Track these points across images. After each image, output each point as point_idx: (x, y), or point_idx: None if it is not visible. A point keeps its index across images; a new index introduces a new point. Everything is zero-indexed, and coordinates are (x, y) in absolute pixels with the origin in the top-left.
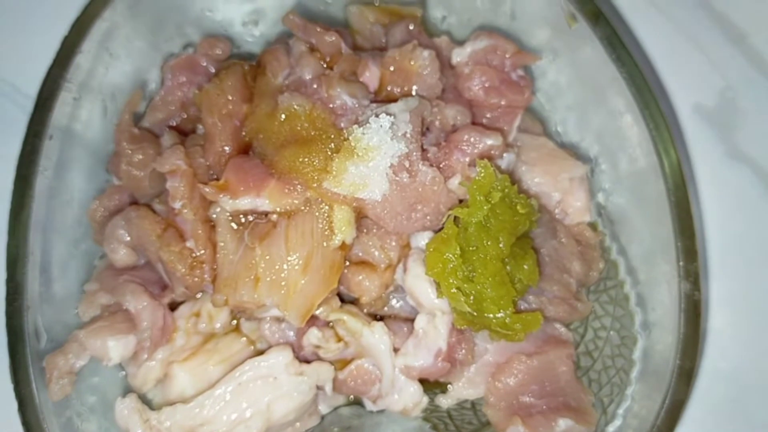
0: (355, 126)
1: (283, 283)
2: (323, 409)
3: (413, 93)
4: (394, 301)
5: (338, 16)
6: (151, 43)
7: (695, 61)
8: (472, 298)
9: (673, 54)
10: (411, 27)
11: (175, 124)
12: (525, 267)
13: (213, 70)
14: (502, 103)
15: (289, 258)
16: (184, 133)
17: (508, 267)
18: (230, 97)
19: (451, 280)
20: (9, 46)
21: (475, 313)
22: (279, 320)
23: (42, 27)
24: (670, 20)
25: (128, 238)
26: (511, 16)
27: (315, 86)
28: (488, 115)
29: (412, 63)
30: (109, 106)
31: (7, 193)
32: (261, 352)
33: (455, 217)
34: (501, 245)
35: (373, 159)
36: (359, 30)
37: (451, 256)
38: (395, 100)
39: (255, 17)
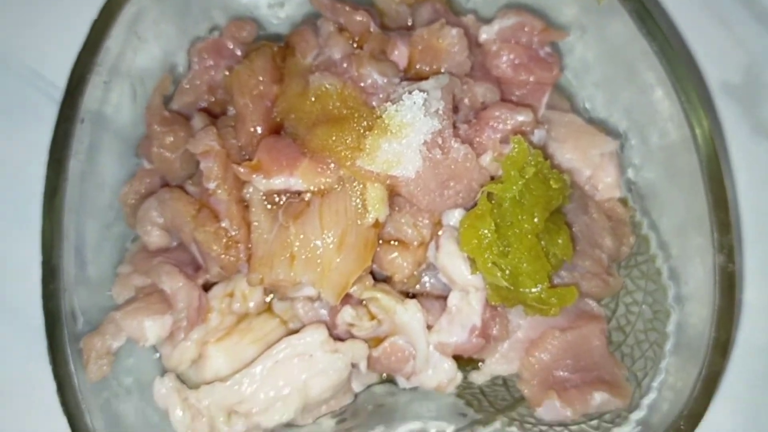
0: (388, 103)
1: (318, 261)
2: (356, 387)
3: (442, 71)
4: (426, 279)
5: None
6: (179, 26)
7: (721, 37)
8: (507, 272)
9: (699, 31)
10: (437, 6)
11: (203, 106)
12: (559, 241)
13: (240, 53)
14: (531, 79)
15: (323, 236)
16: (212, 116)
17: (542, 242)
18: (261, 78)
19: (486, 255)
20: (32, 33)
21: (511, 288)
22: (312, 299)
23: (64, 13)
24: None
25: (161, 220)
26: None
27: (345, 65)
28: (517, 93)
29: (440, 41)
30: (138, 90)
31: (32, 176)
32: (294, 332)
33: (489, 193)
34: (536, 220)
35: (407, 136)
36: (385, 10)
37: (486, 231)
38: (424, 79)
39: None
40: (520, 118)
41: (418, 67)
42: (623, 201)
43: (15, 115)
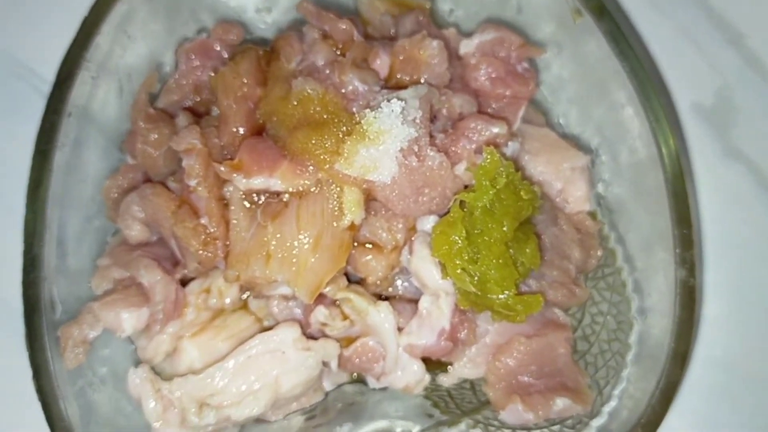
0: (368, 110)
1: (294, 260)
2: (327, 386)
3: (422, 81)
4: (398, 282)
5: (348, 5)
6: (167, 26)
7: (693, 60)
8: (476, 278)
9: (671, 53)
10: (420, 18)
11: (188, 106)
12: (527, 251)
13: (226, 55)
14: (508, 93)
15: (300, 236)
16: (197, 115)
17: (511, 250)
18: (245, 80)
19: (456, 261)
20: (26, 31)
21: (479, 293)
22: (287, 298)
23: (58, 11)
24: (669, 19)
25: (142, 215)
26: (518, 10)
27: (327, 72)
28: (493, 105)
29: (421, 52)
30: (124, 86)
31: (21, 170)
32: (268, 329)
33: (461, 201)
34: (505, 229)
35: (384, 142)
36: (369, 19)
37: (457, 238)
38: (404, 88)
39: (268, 4)
40: (495, 130)
41: (398, 76)
42: (592, 214)
43: (4, 109)
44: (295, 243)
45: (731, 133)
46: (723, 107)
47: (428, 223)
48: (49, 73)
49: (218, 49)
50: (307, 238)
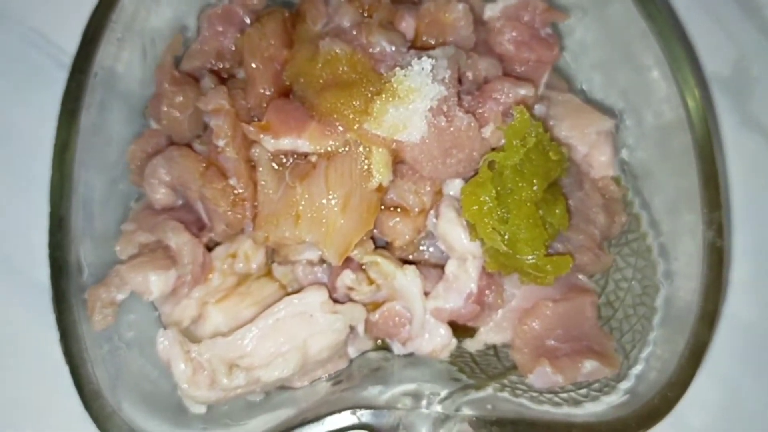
0: (398, 68)
1: (323, 221)
2: (352, 352)
3: (447, 44)
4: (424, 247)
5: None
6: None
7: (711, 31)
8: (506, 238)
9: (690, 24)
10: None
11: (209, 71)
12: (556, 212)
13: (249, 21)
14: (532, 57)
15: (328, 197)
16: (220, 80)
17: (540, 211)
18: (272, 42)
19: (486, 221)
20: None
21: (510, 253)
22: (312, 263)
23: None
24: None
25: (168, 178)
26: None
27: (354, 33)
28: (518, 69)
29: (446, 15)
30: (148, 50)
31: (38, 138)
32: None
33: (490, 162)
34: (535, 188)
35: (413, 101)
36: None
37: (486, 198)
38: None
39: None
40: (522, 92)
41: (424, 39)
42: (616, 180)
43: (20, 77)
44: (324, 203)
45: (749, 104)
46: (740, 78)
47: (454, 186)
48: (64, 41)
49: (241, 14)
50: (336, 199)
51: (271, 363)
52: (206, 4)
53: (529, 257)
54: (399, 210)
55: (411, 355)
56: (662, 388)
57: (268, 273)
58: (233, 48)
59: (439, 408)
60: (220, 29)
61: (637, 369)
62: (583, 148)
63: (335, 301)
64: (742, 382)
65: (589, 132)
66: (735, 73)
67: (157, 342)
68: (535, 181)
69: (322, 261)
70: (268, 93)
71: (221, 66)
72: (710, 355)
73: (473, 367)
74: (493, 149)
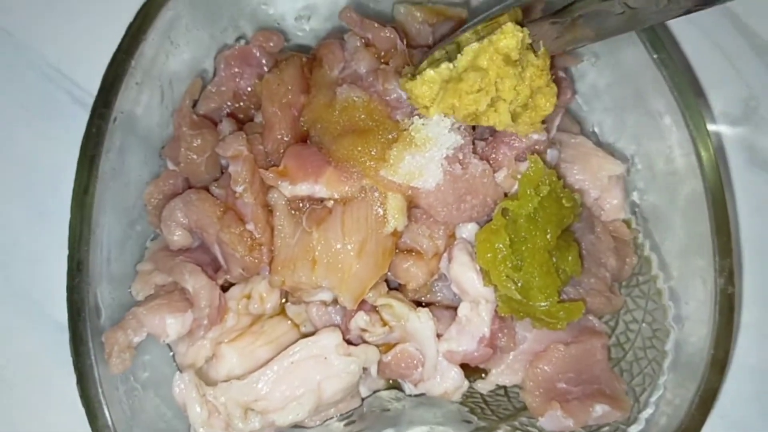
0: (416, 117)
1: (339, 266)
2: (363, 392)
3: None
4: (437, 289)
5: (386, 13)
6: (209, 33)
7: (721, 69)
8: (520, 285)
9: (699, 62)
10: (457, 26)
11: (228, 112)
12: (569, 258)
13: (265, 62)
14: None
15: (344, 242)
16: (237, 122)
17: (553, 258)
18: (289, 87)
19: (500, 268)
20: (56, 33)
21: (523, 300)
22: (326, 304)
23: (89, 14)
24: (697, 29)
25: (185, 220)
26: None
27: (371, 80)
28: None
29: None
30: (166, 93)
31: (54, 172)
32: (306, 335)
33: (504, 209)
34: (548, 236)
35: (430, 149)
36: (407, 29)
37: (501, 245)
38: None
39: (308, 12)
40: (535, 137)
41: None
42: (627, 222)
43: (37, 112)
44: (340, 249)
45: (758, 143)
46: (749, 117)
47: (467, 230)
48: (79, 75)
49: (258, 56)
50: (352, 245)
51: (286, 407)
52: (223, 45)
53: (542, 304)
54: (413, 253)
55: (422, 395)
56: None
57: (282, 312)
58: (250, 89)
59: None
60: (237, 70)
61: (648, 413)
62: (594, 191)
63: (348, 342)
64: (748, 427)
65: (601, 176)
66: (744, 112)
67: (174, 385)
68: (548, 229)
69: (336, 301)
70: (285, 138)
71: (238, 106)
72: (719, 398)
73: (484, 407)
74: (506, 194)
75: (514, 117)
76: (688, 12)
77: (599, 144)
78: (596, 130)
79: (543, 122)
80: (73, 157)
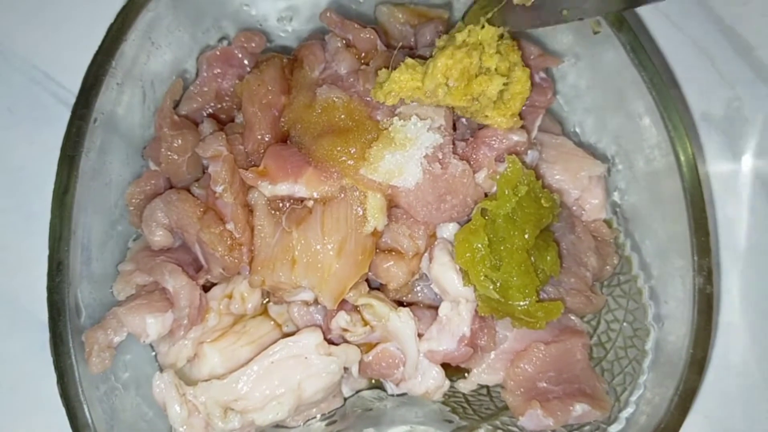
0: (396, 117)
1: (318, 266)
2: (346, 392)
3: None
4: (418, 289)
5: (368, 14)
6: (191, 34)
7: (704, 71)
8: (498, 285)
9: (682, 63)
10: (439, 28)
11: (210, 113)
12: (548, 258)
13: (247, 63)
14: (525, 102)
15: (324, 242)
16: (219, 122)
17: (532, 258)
18: (270, 88)
19: (479, 268)
20: (42, 36)
21: (501, 300)
22: (307, 304)
23: (75, 18)
24: (681, 32)
25: (166, 221)
26: None
27: (351, 80)
28: None
29: None
30: (147, 93)
31: (41, 174)
32: (288, 335)
33: (483, 209)
34: (526, 236)
35: (410, 148)
36: (388, 30)
37: (479, 245)
38: None
39: (290, 13)
40: (515, 138)
41: None
42: (608, 222)
43: (23, 114)
44: (320, 248)
45: (740, 144)
46: (732, 118)
47: (448, 230)
48: (65, 79)
49: (240, 57)
50: (332, 244)
51: (265, 406)
52: (206, 46)
53: (521, 303)
54: (393, 253)
55: (404, 394)
56: None
57: (264, 312)
58: (232, 90)
59: None
60: (219, 71)
61: (628, 412)
62: (575, 191)
63: (329, 341)
64: (729, 425)
65: (582, 176)
66: (727, 113)
67: (153, 385)
68: (527, 229)
69: (317, 301)
70: (266, 139)
71: (220, 107)
72: (698, 398)
73: (466, 407)
74: (486, 194)
75: (490, 106)
76: None
77: (580, 144)
78: (577, 130)
79: (522, 125)
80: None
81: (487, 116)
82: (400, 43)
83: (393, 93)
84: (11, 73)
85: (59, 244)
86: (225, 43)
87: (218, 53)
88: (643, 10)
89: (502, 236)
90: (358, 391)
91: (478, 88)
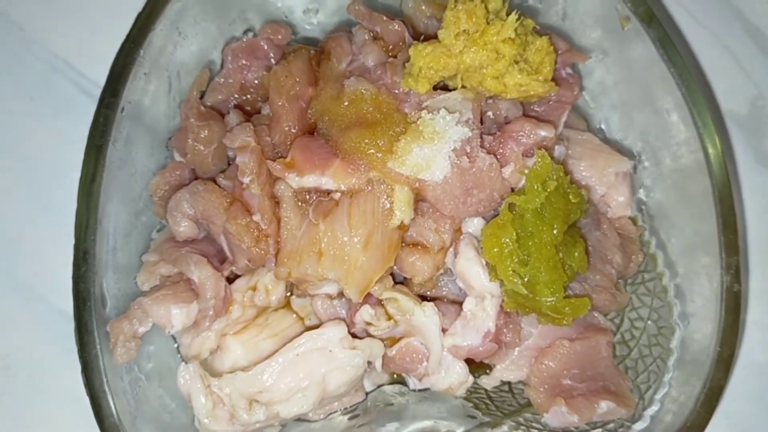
0: (424, 111)
1: (345, 258)
2: (367, 386)
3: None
4: (442, 284)
5: (394, 7)
6: (217, 25)
7: (729, 69)
8: (526, 280)
9: (707, 62)
10: None
11: (235, 105)
12: (576, 254)
13: (272, 55)
14: (552, 97)
15: (351, 235)
16: (244, 114)
17: (560, 253)
18: (297, 80)
19: (507, 263)
20: (64, 25)
21: (529, 295)
22: (331, 297)
23: (96, 7)
24: (706, 30)
25: (192, 211)
26: (563, 17)
27: (378, 72)
28: (537, 109)
29: None
30: (173, 84)
31: (60, 164)
32: (310, 328)
33: (511, 204)
34: (555, 232)
35: (438, 142)
36: (414, 22)
37: (507, 240)
38: (452, 90)
39: (315, 5)
40: (543, 133)
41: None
42: (633, 220)
43: (44, 102)
44: (347, 241)
45: (765, 142)
46: (757, 116)
47: (473, 225)
48: (87, 68)
49: (265, 48)
50: (358, 237)
51: (290, 398)
52: (231, 37)
53: (549, 299)
54: (419, 247)
55: (426, 389)
56: (678, 431)
57: (287, 305)
58: (257, 82)
59: None
60: (245, 63)
61: (653, 410)
62: (601, 188)
63: (353, 335)
64: (754, 424)
65: (608, 173)
66: (751, 111)
67: (178, 376)
68: (555, 224)
69: (341, 294)
70: (293, 130)
71: (245, 98)
72: (724, 397)
73: (488, 403)
74: (513, 189)
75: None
76: None
77: (606, 141)
78: (603, 126)
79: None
80: (79, 149)
81: (522, 86)
82: (422, 36)
83: (422, 74)
84: (33, 62)
85: (85, 233)
86: (251, 34)
87: (244, 45)
88: (667, 7)
89: (530, 231)
90: (379, 386)
91: (493, 31)
